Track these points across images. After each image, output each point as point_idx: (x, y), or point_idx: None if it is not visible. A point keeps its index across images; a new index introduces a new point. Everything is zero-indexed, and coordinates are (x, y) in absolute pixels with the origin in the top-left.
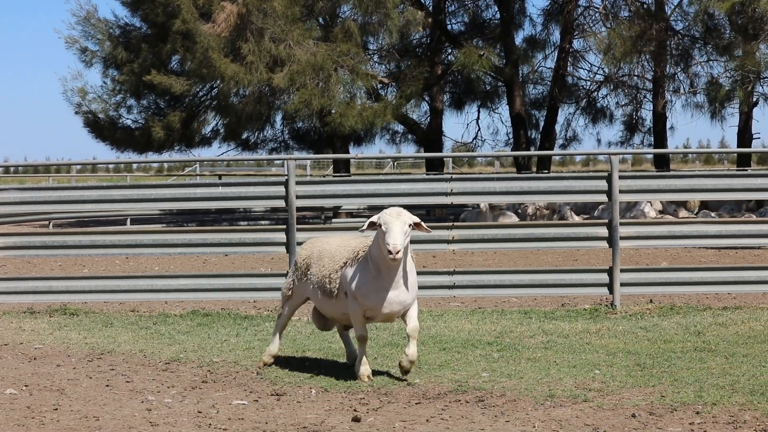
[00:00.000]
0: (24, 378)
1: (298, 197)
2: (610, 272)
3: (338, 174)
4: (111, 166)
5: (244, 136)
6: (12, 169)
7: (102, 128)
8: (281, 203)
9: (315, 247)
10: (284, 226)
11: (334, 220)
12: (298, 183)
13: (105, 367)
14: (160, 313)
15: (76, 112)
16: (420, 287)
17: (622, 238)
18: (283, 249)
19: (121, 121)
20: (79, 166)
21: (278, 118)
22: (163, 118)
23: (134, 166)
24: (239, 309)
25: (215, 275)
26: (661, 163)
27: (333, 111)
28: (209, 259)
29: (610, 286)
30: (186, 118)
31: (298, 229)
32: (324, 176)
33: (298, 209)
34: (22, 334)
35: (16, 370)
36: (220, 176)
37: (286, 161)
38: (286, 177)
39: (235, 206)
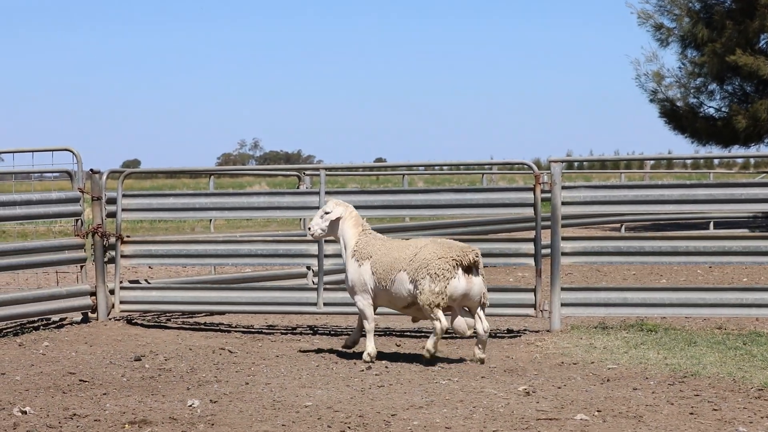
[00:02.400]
0: (596, 402)
1: None
2: None
3: None
4: (689, 161)
5: None
6: (576, 164)
7: (680, 117)
8: None
9: None
10: None
11: None
12: None
13: (688, 392)
14: (750, 332)
15: (651, 100)
16: None
17: None
18: None
19: (701, 109)
20: (652, 162)
21: None
22: (748, 106)
23: (715, 161)
24: None
25: None
26: None
27: None
28: None
29: None
30: None
31: None
32: None
33: None
34: (594, 352)
35: (587, 392)
36: None
37: None
38: None
39: None
